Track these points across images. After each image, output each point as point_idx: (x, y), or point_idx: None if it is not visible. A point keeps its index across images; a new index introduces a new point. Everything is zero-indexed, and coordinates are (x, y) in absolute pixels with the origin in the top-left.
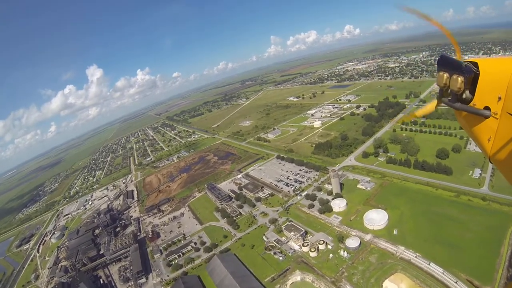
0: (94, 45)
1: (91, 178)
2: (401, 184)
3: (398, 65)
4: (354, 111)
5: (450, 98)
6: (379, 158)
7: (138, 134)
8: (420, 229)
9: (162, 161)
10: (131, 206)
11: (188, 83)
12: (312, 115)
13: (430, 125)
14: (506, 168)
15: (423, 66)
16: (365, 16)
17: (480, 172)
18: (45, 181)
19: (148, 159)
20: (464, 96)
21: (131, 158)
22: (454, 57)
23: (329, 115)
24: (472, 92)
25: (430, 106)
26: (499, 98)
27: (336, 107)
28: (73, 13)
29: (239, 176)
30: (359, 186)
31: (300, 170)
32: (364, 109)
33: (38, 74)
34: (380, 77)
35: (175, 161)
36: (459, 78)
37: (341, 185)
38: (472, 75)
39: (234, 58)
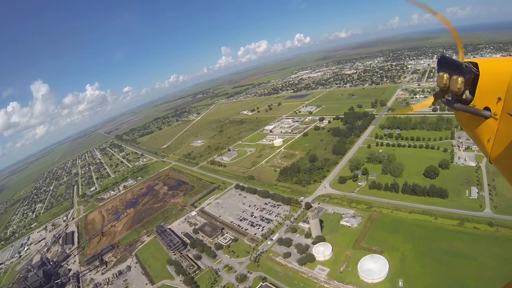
0: (38, 59)
1: (30, 213)
2: (393, 215)
3: (355, 71)
4: (318, 125)
5: (450, 98)
6: (359, 183)
7: (85, 156)
8: (429, 275)
9: (108, 191)
10: (71, 255)
11: (139, 97)
12: (271, 131)
13: (408, 137)
14: (506, 169)
15: (381, 72)
16: (315, 24)
17: (477, 191)
18: None
19: (92, 189)
20: (464, 96)
21: (75, 187)
22: (454, 57)
23: (290, 131)
24: (472, 93)
25: (427, 101)
26: (499, 99)
27: (296, 121)
28: (15, 24)
29: (193, 213)
30: (342, 222)
31: (266, 203)
32: (329, 121)
33: None
34: (338, 84)
35: (121, 192)
36: (459, 79)
37: (320, 222)
38: (472, 76)
39: (185, 71)
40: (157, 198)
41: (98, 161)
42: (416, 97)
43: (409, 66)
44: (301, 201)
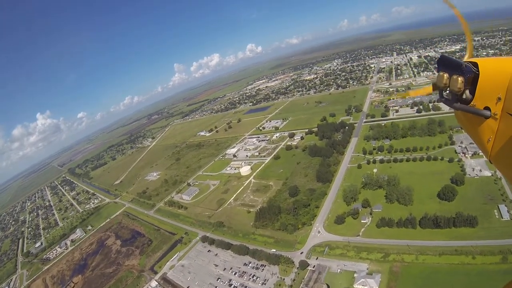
0: None
1: None
2: (420, 263)
3: (316, 76)
4: (290, 143)
5: (450, 98)
6: (362, 220)
7: (35, 196)
8: None
9: (54, 248)
10: None
11: (95, 123)
12: (234, 155)
13: (403, 149)
14: (506, 169)
15: (344, 74)
16: (266, 33)
17: (507, 209)
18: None
19: (38, 245)
20: (464, 96)
21: (20, 240)
22: (454, 57)
23: (257, 153)
24: (472, 92)
25: (426, 89)
26: (499, 99)
27: (262, 140)
28: None
29: (153, 283)
30: (357, 286)
31: (245, 264)
32: (301, 137)
33: None
34: (301, 92)
35: (69, 248)
36: (459, 78)
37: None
38: (472, 75)
39: (139, 91)
40: (109, 259)
41: (47, 203)
42: (392, 99)
43: (372, 66)
44: (300, 253)
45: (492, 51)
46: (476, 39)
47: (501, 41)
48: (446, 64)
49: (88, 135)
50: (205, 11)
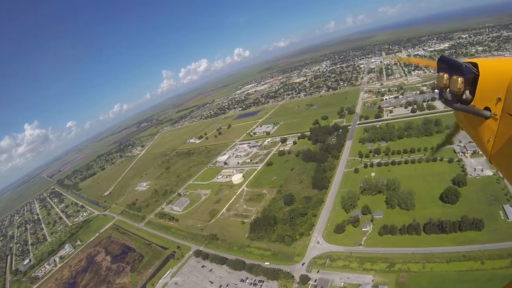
0: None
1: None
2: (428, 272)
3: (305, 78)
4: (282, 148)
5: (450, 98)
6: (363, 228)
7: (24, 210)
8: None
9: (43, 265)
10: None
11: (84, 132)
12: (225, 163)
13: (400, 151)
14: (506, 169)
15: (334, 75)
16: (253, 37)
17: None
18: None
19: (26, 262)
20: (464, 96)
21: (9, 257)
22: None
23: (248, 160)
24: (472, 93)
25: (430, 61)
26: (499, 99)
27: (253, 146)
28: None
29: None
30: None
31: (242, 280)
32: (294, 142)
33: None
34: (291, 95)
35: (58, 265)
36: (459, 79)
37: None
38: (472, 76)
39: (128, 99)
40: (99, 277)
41: (36, 217)
42: (384, 99)
43: (362, 66)
44: (302, 264)
45: (481, 47)
46: (464, 36)
47: (488, 37)
48: (446, 64)
49: (77, 145)
50: (192, 16)
